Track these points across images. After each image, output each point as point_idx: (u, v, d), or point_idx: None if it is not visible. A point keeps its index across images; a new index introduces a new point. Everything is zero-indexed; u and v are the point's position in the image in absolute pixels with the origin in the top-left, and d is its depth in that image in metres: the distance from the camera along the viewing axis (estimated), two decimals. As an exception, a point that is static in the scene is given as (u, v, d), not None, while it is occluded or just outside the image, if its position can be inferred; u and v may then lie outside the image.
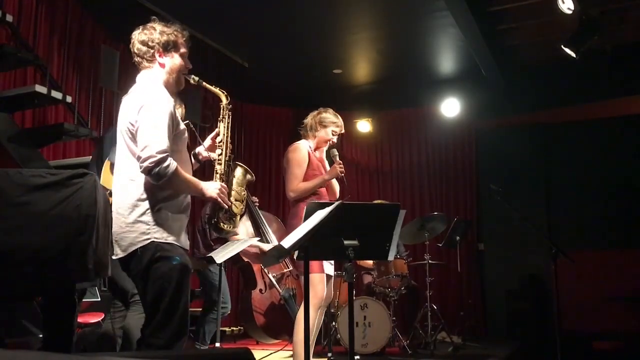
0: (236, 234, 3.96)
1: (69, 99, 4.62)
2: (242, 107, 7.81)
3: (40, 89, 4.25)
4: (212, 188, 2.58)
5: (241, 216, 2.84)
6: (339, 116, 3.87)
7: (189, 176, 2.53)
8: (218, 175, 2.71)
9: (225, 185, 2.67)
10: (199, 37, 5.93)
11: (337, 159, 3.70)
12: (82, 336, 4.00)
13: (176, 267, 2.44)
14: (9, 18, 4.46)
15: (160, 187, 2.45)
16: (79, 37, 5.43)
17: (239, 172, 2.89)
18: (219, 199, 2.59)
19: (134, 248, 2.44)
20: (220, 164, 2.74)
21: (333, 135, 3.81)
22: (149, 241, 2.43)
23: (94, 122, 5.38)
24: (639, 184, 6.43)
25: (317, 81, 7.36)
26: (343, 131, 3.89)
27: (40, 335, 3.28)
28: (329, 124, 3.81)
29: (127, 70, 4.68)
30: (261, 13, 5.66)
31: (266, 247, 4.98)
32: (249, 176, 2.94)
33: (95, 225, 2.45)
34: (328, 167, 3.82)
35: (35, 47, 4.73)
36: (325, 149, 3.87)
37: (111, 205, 2.61)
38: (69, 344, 2.58)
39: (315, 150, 3.84)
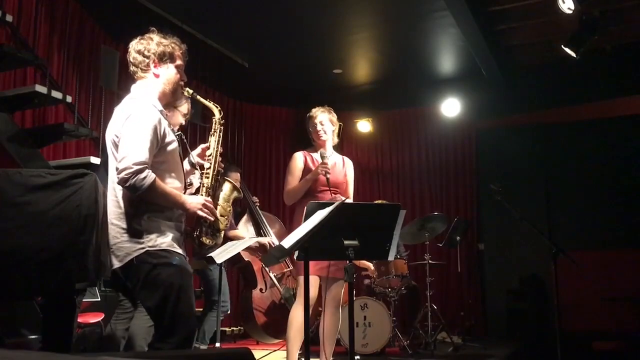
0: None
1: (69, 99, 4.62)
2: (242, 107, 7.81)
3: (40, 89, 4.25)
4: (195, 202, 2.53)
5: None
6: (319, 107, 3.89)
7: (168, 189, 2.46)
8: (204, 189, 2.68)
9: (211, 200, 2.62)
10: (199, 37, 5.93)
11: (324, 160, 3.67)
12: (82, 336, 4.00)
13: (175, 272, 2.42)
14: (9, 18, 4.46)
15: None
16: (79, 37, 5.43)
17: (226, 187, 2.89)
18: (201, 213, 2.54)
19: (129, 258, 2.41)
20: (208, 178, 2.72)
21: (316, 125, 3.81)
22: (143, 250, 2.41)
23: (94, 122, 5.37)
24: (639, 184, 6.43)
25: (317, 81, 7.36)
26: (318, 115, 3.82)
27: (40, 336, 3.28)
28: (309, 120, 3.85)
29: (127, 71, 4.66)
30: (261, 13, 5.66)
31: (264, 240, 4.95)
32: (236, 193, 2.94)
33: (95, 225, 2.45)
34: (335, 169, 3.81)
35: (35, 47, 4.72)
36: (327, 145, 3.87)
37: None
38: (69, 344, 2.57)
39: (319, 149, 3.83)
